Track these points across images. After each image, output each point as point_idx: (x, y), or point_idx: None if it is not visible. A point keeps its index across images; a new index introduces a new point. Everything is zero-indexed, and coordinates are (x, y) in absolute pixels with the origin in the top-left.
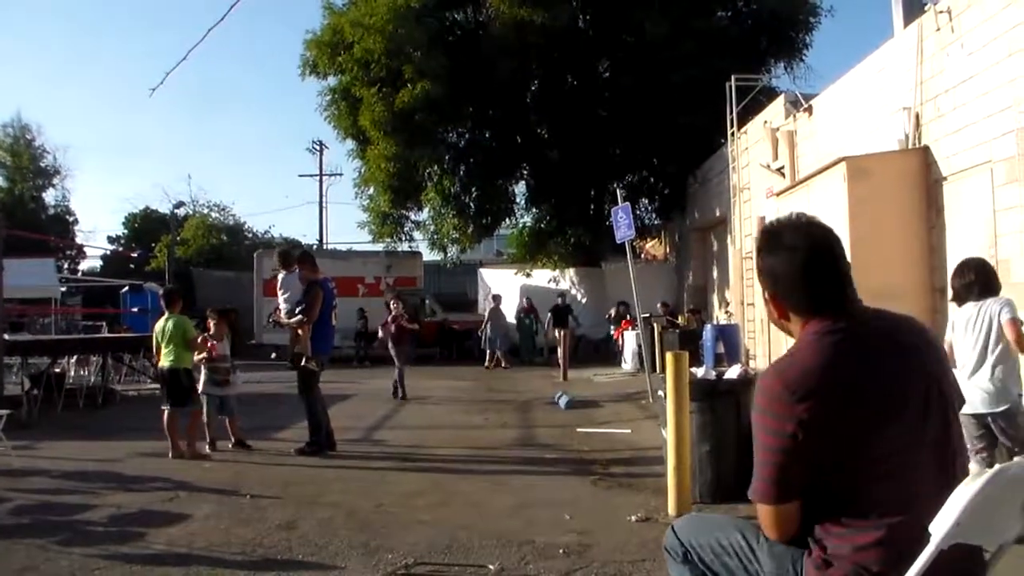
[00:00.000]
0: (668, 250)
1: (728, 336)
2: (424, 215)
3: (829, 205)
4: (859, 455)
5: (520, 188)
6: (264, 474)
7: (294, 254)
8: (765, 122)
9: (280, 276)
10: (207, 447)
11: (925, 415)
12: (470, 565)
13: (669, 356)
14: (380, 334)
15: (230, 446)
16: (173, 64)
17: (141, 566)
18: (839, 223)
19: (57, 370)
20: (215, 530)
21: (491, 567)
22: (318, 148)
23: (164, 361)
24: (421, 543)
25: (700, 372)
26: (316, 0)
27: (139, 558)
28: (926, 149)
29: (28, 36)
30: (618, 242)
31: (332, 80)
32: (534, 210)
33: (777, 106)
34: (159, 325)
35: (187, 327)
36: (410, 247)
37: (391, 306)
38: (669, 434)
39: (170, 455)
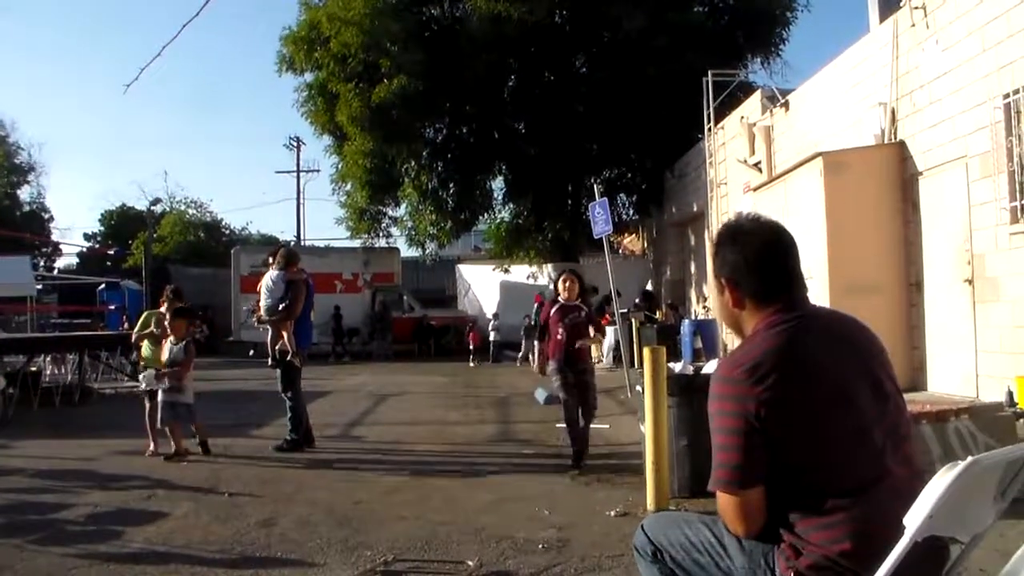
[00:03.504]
0: (646, 245)
1: (706, 331)
2: (402, 211)
3: (806, 200)
4: (819, 435)
5: (498, 183)
6: (242, 472)
7: (296, 256)
8: (742, 117)
9: (272, 273)
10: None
11: (876, 399)
12: (449, 561)
13: (647, 351)
14: None
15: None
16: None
17: (119, 564)
18: (816, 217)
19: (33, 368)
20: (193, 528)
21: (470, 563)
22: (295, 144)
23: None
24: (400, 539)
25: (678, 367)
26: None
27: (117, 557)
28: (902, 144)
29: (3, 26)
30: (595, 237)
31: (309, 76)
32: (511, 205)
33: (754, 101)
34: (143, 318)
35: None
36: (388, 243)
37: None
38: (647, 429)
39: (147, 452)
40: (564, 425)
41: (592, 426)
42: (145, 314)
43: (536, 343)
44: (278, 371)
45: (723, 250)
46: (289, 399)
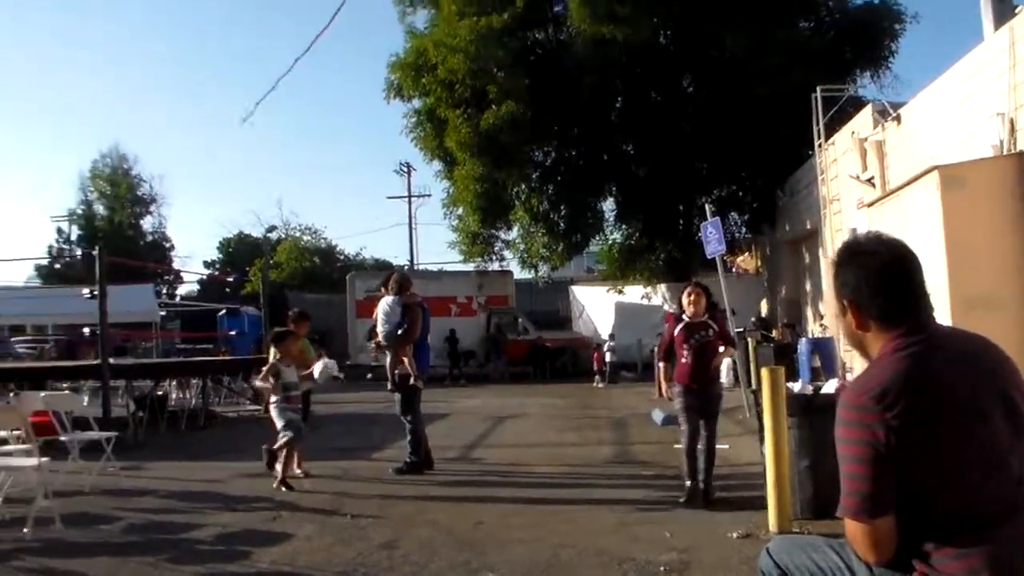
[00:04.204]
0: (759, 263)
1: (824, 349)
2: (514, 234)
3: (922, 215)
4: (951, 460)
5: (608, 204)
6: (364, 493)
7: (409, 279)
8: (853, 132)
9: (387, 299)
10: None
11: (1011, 422)
12: None
13: (764, 371)
14: None
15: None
16: (262, 92)
17: None
18: (933, 233)
19: (160, 393)
20: (317, 550)
21: None
22: (406, 170)
23: None
24: (522, 562)
25: (796, 387)
26: (399, 24)
27: None
28: (1022, 155)
29: (124, 67)
30: (708, 257)
31: (417, 102)
32: (623, 226)
33: (865, 116)
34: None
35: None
36: (501, 266)
37: None
38: (767, 450)
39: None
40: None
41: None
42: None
43: (660, 364)
44: (397, 395)
45: (844, 271)
46: (408, 422)
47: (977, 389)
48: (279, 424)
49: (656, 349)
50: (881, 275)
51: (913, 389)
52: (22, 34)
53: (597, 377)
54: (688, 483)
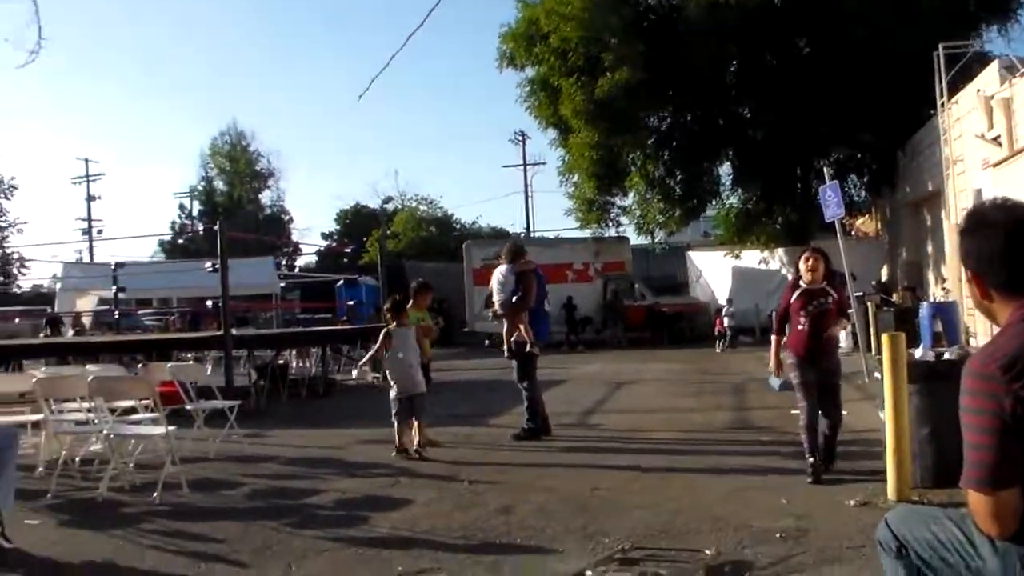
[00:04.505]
0: (879, 226)
1: (946, 314)
2: (629, 200)
3: None
4: None
5: (725, 169)
6: (482, 460)
7: (523, 248)
8: (978, 90)
9: (501, 268)
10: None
11: None
12: (687, 549)
13: (885, 338)
14: None
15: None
16: (375, 64)
17: (367, 548)
18: None
19: (280, 362)
20: (436, 515)
21: (708, 552)
22: (520, 138)
23: None
24: (637, 527)
25: (918, 353)
26: None
27: (365, 541)
28: None
29: (240, 45)
30: (827, 221)
31: (530, 71)
32: (740, 191)
33: (991, 72)
34: None
35: (412, 320)
36: (617, 232)
37: None
38: (887, 417)
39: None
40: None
41: None
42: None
43: (774, 337)
44: (514, 362)
45: (967, 239)
46: (525, 388)
47: None
48: (392, 394)
49: (774, 315)
50: (1005, 245)
51: None
52: (142, 18)
53: (719, 342)
54: (811, 459)
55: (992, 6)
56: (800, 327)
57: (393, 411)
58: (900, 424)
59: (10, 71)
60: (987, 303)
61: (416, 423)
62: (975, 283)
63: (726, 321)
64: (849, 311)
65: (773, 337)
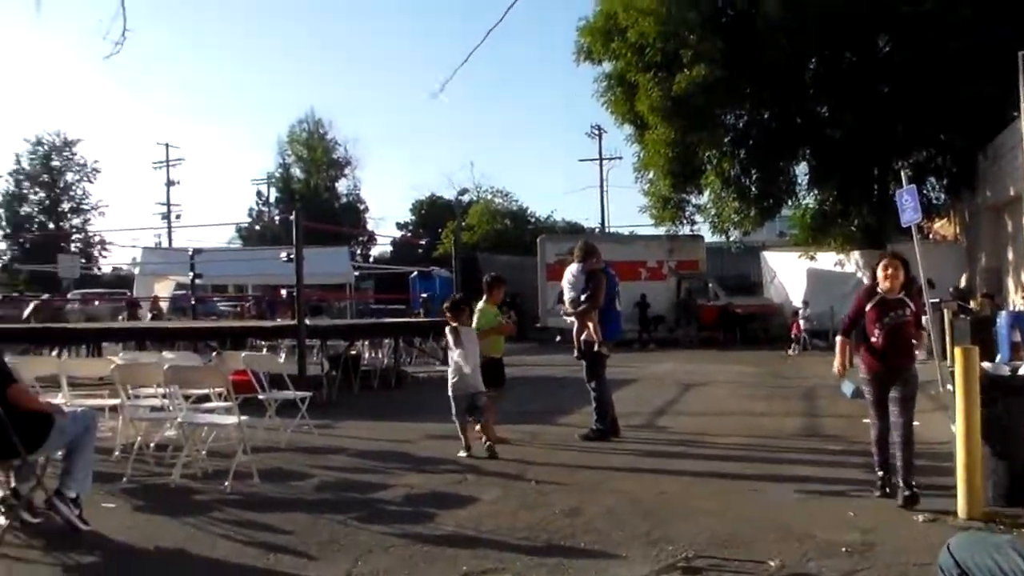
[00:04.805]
0: (957, 230)
1: None
2: (705, 198)
3: None
4: None
5: (801, 168)
6: (549, 459)
7: (595, 249)
8: None
9: (572, 267)
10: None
11: None
12: (750, 560)
13: (958, 351)
14: None
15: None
16: (453, 56)
17: (433, 546)
18: None
19: (353, 352)
20: (501, 514)
21: (772, 563)
22: (597, 132)
23: None
24: (702, 534)
25: (988, 366)
26: None
27: (430, 538)
28: None
29: (318, 35)
30: (904, 225)
31: (607, 66)
32: (816, 191)
33: None
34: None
35: (487, 317)
36: (692, 230)
37: None
38: (958, 432)
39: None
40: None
41: None
42: (481, 308)
43: (839, 338)
44: (584, 361)
45: None
46: (594, 389)
47: None
48: (449, 391)
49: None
50: None
51: None
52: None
53: (794, 345)
54: (880, 473)
55: None
56: (874, 339)
57: (453, 410)
58: (972, 440)
59: (96, 61)
60: None
61: (479, 422)
62: None
63: (802, 324)
64: (924, 318)
65: (839, 338)
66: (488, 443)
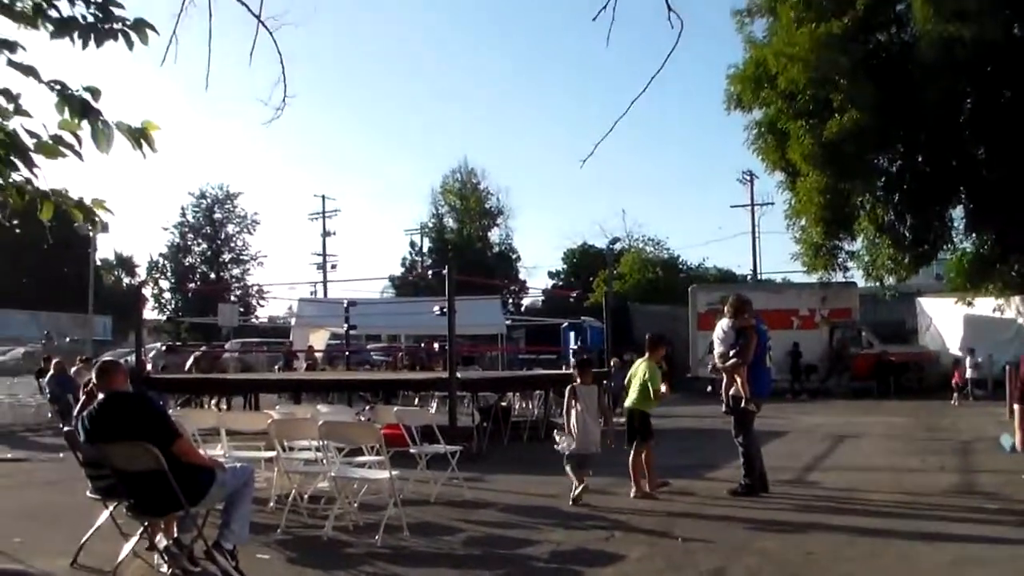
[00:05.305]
0: None
1: None
2: (858, 244)
3: None
4: None
5: (957, 212)
6: (697, 515)
7: (749, 304)
8: None
9: (723, 322)
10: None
11: None
12: None
13: None
14: None
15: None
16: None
17: None
18: None
19: (504, 404)
20: (647, 572)
21: None
22: (748, 178)
23: (627, 401)
24: None
25: None
26: (737, 35)
27: None
28: None
29: (476, 83)
30: None
31: (757, 113)
32: (973, 235)
33: None
34: (635, 366)
35: (655, 375)
36: (844, 277)
37: None
38: None
39: (632, 494)
40: None
41: None
42: (647, 366)
43: (1017, 407)
44: (732, 416)
45: None
46: (741, 444)
47: None
48: (563, 447)
49: (1010, 376)
50: None
51: None
52: (380, 59)
53: (955, 395)
54: None
55: None
56: None
57: (566, 465)
58: None
59: (257, 126)
60: None
61: (581, 479)
62: None
63: (968, 372)
64: None
65: (1017, 407)
66: (579, 496)
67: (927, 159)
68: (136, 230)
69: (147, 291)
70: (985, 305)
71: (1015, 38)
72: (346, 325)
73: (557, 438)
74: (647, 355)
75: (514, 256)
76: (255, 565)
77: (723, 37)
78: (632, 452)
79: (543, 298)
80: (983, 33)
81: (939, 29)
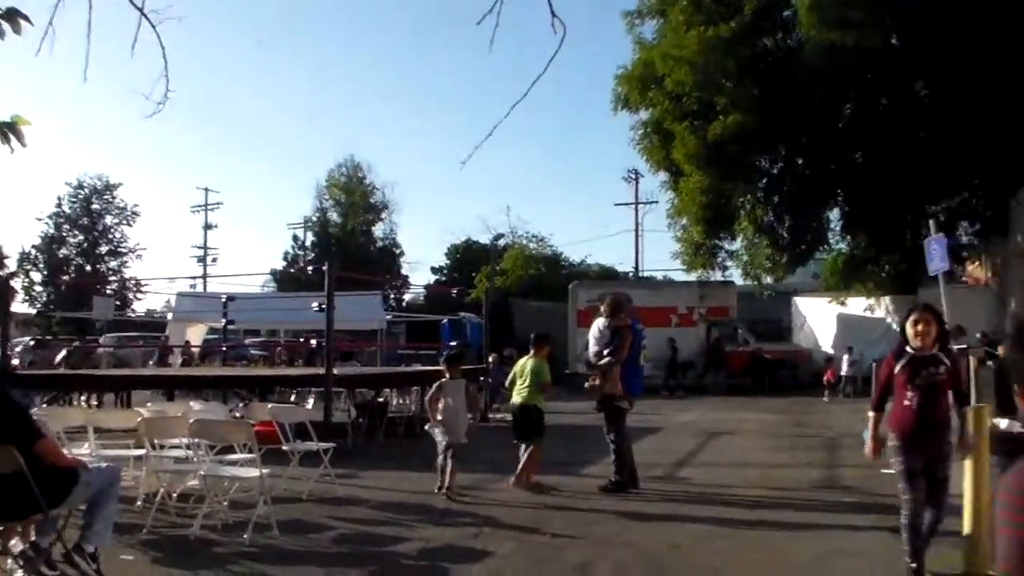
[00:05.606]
0: (989, 275)
1: None
2: (737, 244)
3: None
4: None
5: (834, 214)
6: (566, 511)
7: (625, 305)
8: None
9: (599, 321)
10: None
11: None
12: None
13: (970, 412)
14: None
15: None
16: (492, 106)
17: None
18: None
19: (380, 400)
20: (514, 568)
21: None
22: (633, 177)
23: (516, 397)
24: None
25: (1003, 424)
26: (627, 36)
27: None
28: None
29: (357, 79)
30: (930, 275)
31: (644, 114)
32: (848, 237)
33: None
34: (520, 363)
35: (543, 370)
36: (723, 276)
37: None
38: (965, 491)
39: (512, 482)
40: (892, 471)
41: None
42: (533, 364)
43: (871, 412)
44: (603, 413)
45: (1013, 352)
46: (612, 441)
47: None
48: (438, 439)
49: (875, 374)
50: None
51: None
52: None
53: (827, 392)
54: (912, 564)
55: None
56: (906, 402)
57: (440, 455)
58: (979, 498)
59: (137, 120)
60: None
61: (450, 469)
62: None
63: (844, 370)
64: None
65: (871, 414)
66: (452, 488)
67: (807, 162)
68: (6, 220)
69: (16, 283)
70: (857, 304)
71: (893, 48)
72: (224, 321)
73: (432, 431)
74: (532, 352)
75: (398, 251)
76: (118, 566)
77: (612, 38)
78: (525, 448)
79: (425, 294)
80: (864, 41)
81: (823, 36)
